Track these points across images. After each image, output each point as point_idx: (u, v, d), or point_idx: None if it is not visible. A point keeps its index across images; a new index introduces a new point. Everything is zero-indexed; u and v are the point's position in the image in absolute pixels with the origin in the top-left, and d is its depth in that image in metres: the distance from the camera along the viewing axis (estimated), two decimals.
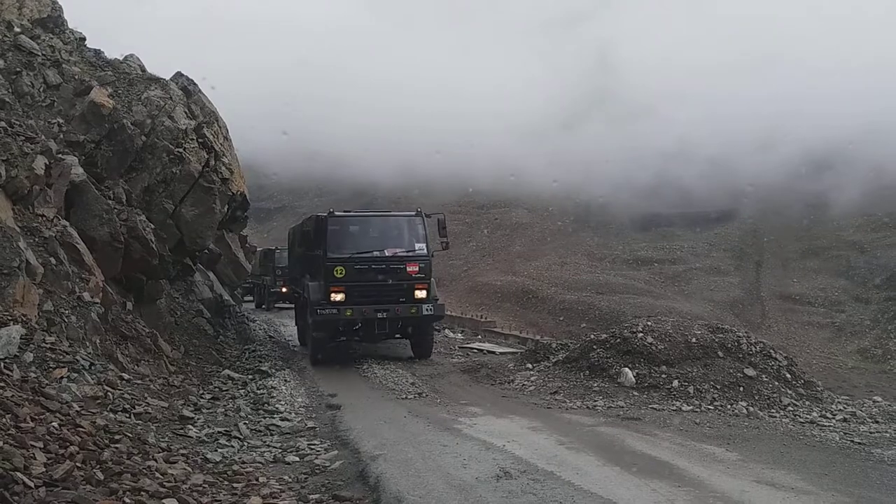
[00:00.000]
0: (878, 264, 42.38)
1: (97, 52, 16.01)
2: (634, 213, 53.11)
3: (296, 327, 20.53)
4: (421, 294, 15.37)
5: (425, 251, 15.54)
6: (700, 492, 6.73)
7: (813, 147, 52.16)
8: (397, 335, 16.43)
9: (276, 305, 32.85)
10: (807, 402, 11.66)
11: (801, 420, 10.69)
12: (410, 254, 15.41)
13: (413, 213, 16.02)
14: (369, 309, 15.00)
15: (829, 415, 11.17)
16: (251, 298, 37.21)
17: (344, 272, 14.89)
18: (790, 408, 11.32)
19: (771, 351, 12.69)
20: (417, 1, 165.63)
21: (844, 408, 11.89)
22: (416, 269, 15.27)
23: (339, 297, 14.92)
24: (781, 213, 50.09)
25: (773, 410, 11.16)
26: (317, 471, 7.62)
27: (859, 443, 9.31)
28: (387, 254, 15.30)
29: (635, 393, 11.71)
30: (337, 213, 15.61)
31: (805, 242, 47.18)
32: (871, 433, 10.11)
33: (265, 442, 8.81)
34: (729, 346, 12.45)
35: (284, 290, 28.44)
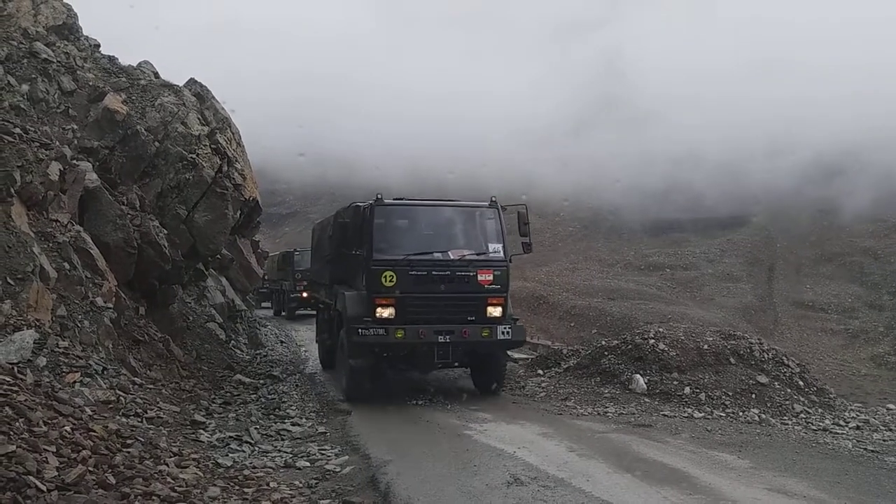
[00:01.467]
0: (892, 270, 42.01)
1: (111, 59, 16.13)
2: (645, 218, 52.87)
3: (317, 345, 16.81)
4: (495, 312, 11.67)
5: (502, 254, 11.83)
6: (712, 499, 6.70)
7: (823, 152, 51.83)
8: (456, 363, 12.90)
9: (298, 312, 30.13)
10: (819, 410, 11.59)
11: (814, 427, 10.62)
12: (483, 257, 11.75)
13: (486, 203, 12.15)
14: (427, 330, 11.27)
15: (841, 422, 11.10)
16: (269, 304, 35.48)
17: (395, 280, 11.23)
18: (802, 415, 11.25)
19: (783, 358, 12.62)
20: (426, 8, 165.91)
21: (857, 415, 11.81)
22: (490, 277, 11.62)
23: (387, 312, 11.29)
24: (793, 219, 49.77)
25: (785, 418, 11.09)
26: (327, 476, 7.64)
27: (872, 451, 9.24)
28: (451, 256, 11.63)
29: (646, 399, 11.66)
30: (386, 201, 11.81)
31: (817, 248, 46.86)
32: (884, 441, 10.04)
33: (276, 447, 8.84)
34: (741, 352, 12.39)
35: (305, 295, 27.22)
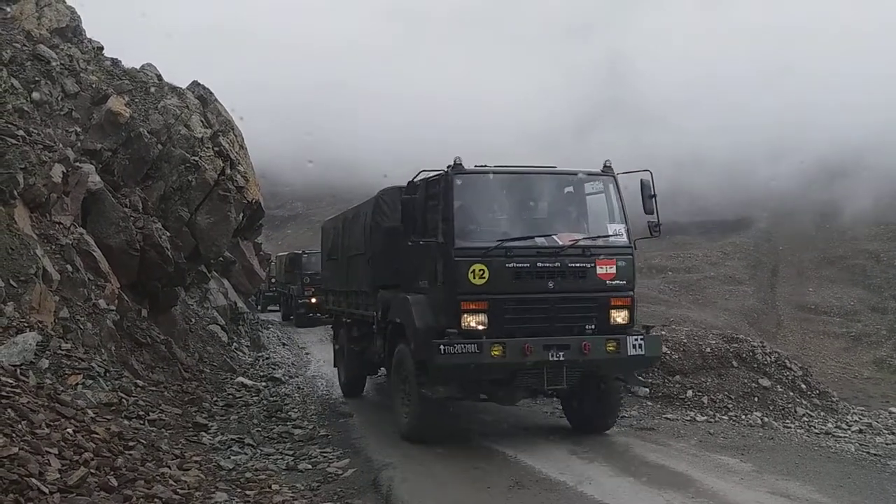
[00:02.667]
0: (895, 273, 41.98)
1: (115, 62, 16.17)
2: (648, 220, 52.90)
3: (336, 368, 13.77)
4: (621, 317, 8.70)
5: (625, 238, 8.91)
6: (714, 503, 6.69)
7: (826, 155, 51.86)
8: (551, 391, 9.01)
9: (310, 316, 27.02)
10: (822, 413, 11.59)
11: (816, 431, 10.61)
12: (602, 243, 8.84)
13: (600, 171, 9.16)
14: (534, 345, 8.12)
15: (844, 426, 11.10)
16: (276, 308, 34.15)
17: (487, 275, 8.23)
18: (805, 418, 11.26)
19: (786, 361, 12.63)
20: (431, 12, 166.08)
21: (860, 419, 11.82)
22: (613, 270, 8.66)
23: (476, 320, 8.24)
24: (795, 222, 49.77)
25: (787, 421, 11.09)
26: (329, 479, 7.64)
27: (875, 454, 9.23)
28: (559, 242, 8.57)
29: (649, 403, 11.65)
30: (468, 168, 8.76)
31: (820, 251, 46.81)
32: (887, 444, 10.04)
33: (278, 449, 8.84)
34: (744, 355, 12.39)
35: (314, 300, 25.92)
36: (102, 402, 7.92)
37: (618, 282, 8.69)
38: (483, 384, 8.90)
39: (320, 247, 15.34)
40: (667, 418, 10.90)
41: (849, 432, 10.68)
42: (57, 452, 5.58)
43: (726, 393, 11.64)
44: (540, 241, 8.61)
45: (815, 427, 10.83)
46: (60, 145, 11.84)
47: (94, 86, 14.35)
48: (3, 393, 6.20)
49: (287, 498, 6.67)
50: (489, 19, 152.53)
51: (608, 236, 8.89)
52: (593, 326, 8.56)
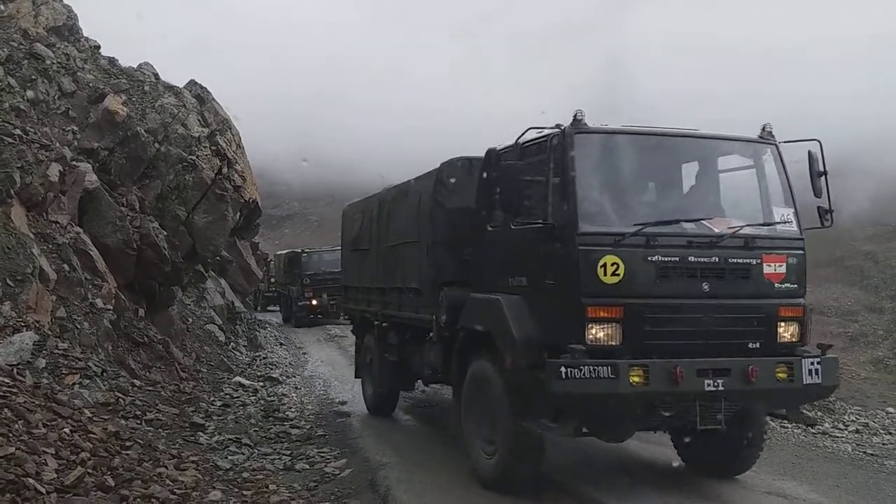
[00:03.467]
0: (893, 274, 41.91)
1: (111, 60, 16.14)
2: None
3: (360, 382, 11.60)
4: (790, 332, 6.55)
5: (796, 227, 6.79)
6: (711, 503, 6.69)
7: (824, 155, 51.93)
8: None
9: (310, 317, 26.99)
10: (819, 413, 11.57)
11: (813, 431, 10.60)
12: (767, 232, 6.68)
13: (758, 137, 7.06)
14: (686, 369, 5.93)
15: (841, 426, 11.09)
16: (276, 308, 33.11)
17: (622, 271, 6.10)
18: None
19: None
20: (431, 12, 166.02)
21: (857, 419, 11.80)
22: (783, 269, 6.56)
23: (607, 333, 6.06)
24: None
25: (784, 421, 11.07)
26: (326, 479, 7.63)
27: (872, 454, 9.23)
28: (713, 229, 6.46)
29: None
30: (592, 127, 6.54)
31: (817, 251, 46.81)
32: (884, 445, 10.03)
33: (275, 449, 8.82)
34: None
35: (314, 302, 26.61)
36: (99, 401, 7.92)
37: (787, 285, 6.54)
38: (602, 418, 6.45)
39: (340, 236, 12.90)
40: None
41: (846, 432, 10.67)
42: (54, 452, 5.58)
43: None
44: (689, 227, 6.44)
45: (811, 427, 10.82)
46: (57, 144, 11.82)
47: (90, 84, 14.32)
48: (0, 392, 6.20)
49: (284, 498, 6.67)
50: (489, 19, 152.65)
51: (775, 224, 6.67)
52: (757, 345, 6.37)
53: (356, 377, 11.75)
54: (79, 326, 9.70)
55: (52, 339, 8.60)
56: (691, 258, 6.27)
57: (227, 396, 12.02)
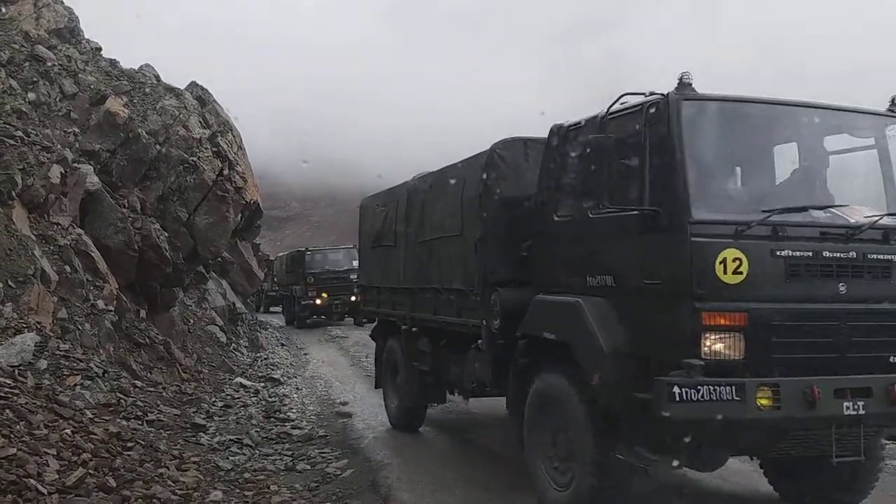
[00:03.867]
0: None
1: (113, 62, 16.18)
2: None
3: (382, 394, 10.42)
4: None
5: None
6: (712, 502, 6.69)
7: None
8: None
9: (314, 317, 27.22)
10: None
11: None
12: None
13: (886, 111, 5.89)
14: (823, 389, 4.79)
15: None
16: (279, 309, 32.38)
17: (745, 269, 4.89)
18: None
19: None
20: (430, 15, 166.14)
21: None
22: None
23: (728, 346, 4.87)
24: None
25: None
26: (328, 479, 7.62)
27: None
28: (849, 219, 5.28)
29: None
30: (701, 94, 5.24)
31: None
32: (886, 443, 9.98)
33: (277, 450, 8.82)
34: None
35: (318, 302, 26.60)
36: (101, 402, 7.93)
37: None
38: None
39: (358, 232, 11.61)
40: None
41: None
42: (55, 453, 5.59)
43: None
44: (820, 215, 5.32)
45: None
46: (58, 146, 11.85)
47: (92, 86, 14.35)
48: (2, 394, 6.22)
49: (285, 498, 6.67)
50: (489, 20, 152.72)
51: None
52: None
53: (376, 387, 10.69)
54: (80, 327, 9.71)
55: (53, 340, 8.62)
56: (826, 253, 5.11)
57: (229, 397, 12.03)
